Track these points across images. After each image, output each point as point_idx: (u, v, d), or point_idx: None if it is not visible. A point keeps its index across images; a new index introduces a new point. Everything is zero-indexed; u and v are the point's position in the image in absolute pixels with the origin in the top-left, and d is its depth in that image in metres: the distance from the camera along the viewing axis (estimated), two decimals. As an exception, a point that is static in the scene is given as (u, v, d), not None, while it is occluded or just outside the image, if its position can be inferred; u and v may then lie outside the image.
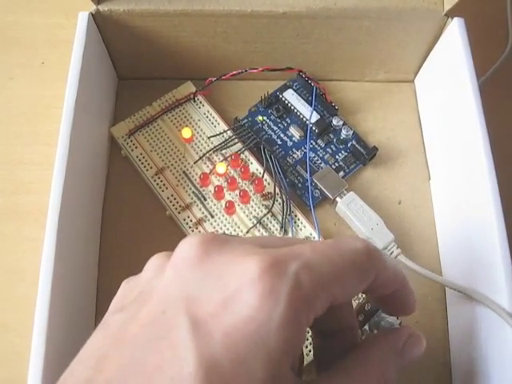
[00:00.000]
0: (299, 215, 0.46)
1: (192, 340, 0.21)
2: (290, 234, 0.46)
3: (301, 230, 0.46)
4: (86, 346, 0.24)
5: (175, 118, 0.51)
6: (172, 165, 0.48)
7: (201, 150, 0.49)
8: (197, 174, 0.48)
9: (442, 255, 0.46)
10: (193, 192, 0.47)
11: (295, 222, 0.46)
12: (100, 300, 0.44)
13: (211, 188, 0.47)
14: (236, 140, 0.49)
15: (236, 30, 0.48)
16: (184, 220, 0.46)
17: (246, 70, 0.51)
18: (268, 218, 0.46)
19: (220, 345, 0.21)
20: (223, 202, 0.46)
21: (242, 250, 0.24)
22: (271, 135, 0.51)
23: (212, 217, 0.46)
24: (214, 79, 0.51)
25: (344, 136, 0.50)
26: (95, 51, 0.47)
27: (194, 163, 0.48)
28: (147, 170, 0.48)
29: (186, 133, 0.49)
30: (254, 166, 0.48)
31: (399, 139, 0.52)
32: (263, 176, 0.47)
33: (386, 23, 0.48)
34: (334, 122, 0.51)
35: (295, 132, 0.51)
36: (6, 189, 0.50)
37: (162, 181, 0.48)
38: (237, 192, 0.47)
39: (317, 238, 0.45)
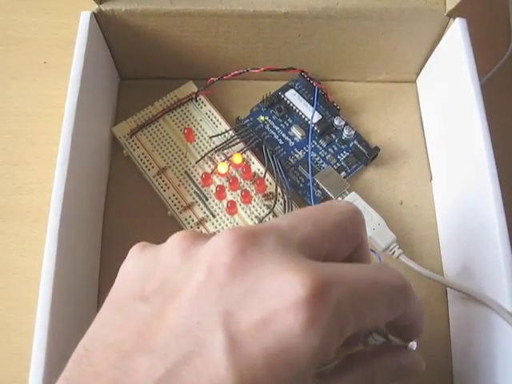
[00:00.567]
0: (301, 215, 0.46)
1: (231, 362, 0.20)
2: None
3: (302, 230, 0.46)
4: (101, 325, 0.24)
5: (177, 118, 0.51)
6: (174, 164, 0.48)
7: (202, 150, 0.49)
8: (198, 173, 0.48)
9: (444, 256, 0.46)
10: (194, 192, 0.47)
11: (297, 222, 0.46)
12: (101, 300, 0.44)
13: (213, 188, 0.47)
14: (238, 140, 0.49)
15: (238, 29, 0.48)
16: (186, 220, 0.46)
17: (248, 70, 0.51)
18: (270, 218, 0.46)
19: (259, 368, 0.20)
20: (225, 202, 0.46)
21: (282, 258, 0.23)
22: (273, 135, 0.51)
23: (213, 216, 0.46)
24: (215, 79, 0.51)
25: (346, 136, 0.50)
26: (97, 51, 0.47)
27: (196, 163, 0.48)
28: (149, 170, 0.48)
29: (188, 132, 0.49)
30: (256, 166, 0.48)
31: (401, 139, 0.52)
32: (265, 176, 0.47)
33: (388, 23, 0.48)
34: (336, 122, 0.51)
35: (297, 132, 0.51)
36: (7, 188, 0.50)
37: (163, 180, 0.48)
38: (238, 192, 0.47)
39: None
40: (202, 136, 0.50)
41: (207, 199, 0.47)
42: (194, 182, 0.48)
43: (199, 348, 0.21)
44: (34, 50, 0.57)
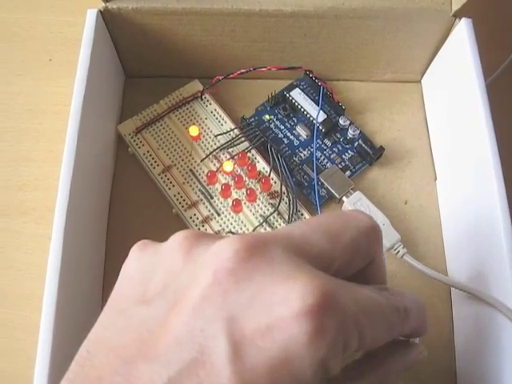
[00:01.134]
0: (306, 214, 0.46)
1: (234, 371, 0.20)
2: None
3: (307, 229, 0.46)
4: (104, 328, 0.23)
5: (182, 116, 0.51)
6: (179, 163, 0.48)
7: (208, 149, 0.49)
8: (204, 172, 0.48)
9: (448, 255, 0.46)
10: (199, 190, 0.47)
11: (301, 221, 0.46)
12: (106, 296, 0.44)
13: (218, 186, 0.47)
14: (243, 138, 0.49)
15: (244, 28, 0.48)
16: (190, 218, 0.46)
17: (254, 69, 0.51)
18: (274, 217, 0.46)
19: (262, 378, 0.20)
20: (230, 200, 0.46)
21: (290, 266, 0.23)
22: (278, 134, 0.51)
23: (218, 215, 0.46)
24: (221, 78, 0.51)
25: (351, 136, 0.50)
26: (103, 49, 0.47)
27: (201, 161, 0.48)
28: (154, 168, 0.48)
29: (194, 131, 0.49)
30: (261, 165, 0.48)
31: (406, 139, 0.52)
32: (270, 175, 0.48)
33: (394, 23, 0.48)
34: (341, 121, 0.51)
35: (302, 131, 0.51)
36: (13, 185, 0.50)
37: (168, 178, 0.48)
38: (243, 190, 0.47)
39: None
40: (208, 134, 0.50)
41: (212, 197, 0.47)
42: (199, 180, 0.48)
43: (202, 356, 0.20)
44: (39, 48, 0.57)
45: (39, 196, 0.49)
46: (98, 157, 0.46)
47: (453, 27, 0.47)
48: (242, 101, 0.53)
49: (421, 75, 0.55)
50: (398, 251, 0.44)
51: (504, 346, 0.36)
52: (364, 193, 0.47)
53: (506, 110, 0.48)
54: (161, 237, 0.29)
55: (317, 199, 0.47)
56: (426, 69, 0.53)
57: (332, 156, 0.50)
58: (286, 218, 0.46)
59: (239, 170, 0.48)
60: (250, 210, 0.46)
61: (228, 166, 0.47)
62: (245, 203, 0.47)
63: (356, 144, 0.50)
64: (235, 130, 0.50)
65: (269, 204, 0.47)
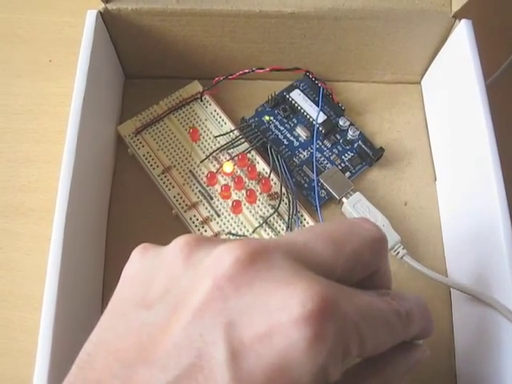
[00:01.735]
0: (305, 215, 0.46)
1: (232, 377, 0.20)
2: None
3: (307, 230, 0.46)
4: (104, 331, 0.23)
5: (182, 117, 0.51)
6: (179, 164, 0.48)
7: (207, 150, 0.49)
8: (203, 173, 0.48)
9: (448, 256, 0.46)
10: (199, 191, 0.47)
11: (301, 222, 0.46)
12: (106, 297, 0.44)
13: (218, 187, 0.47)
14: (243, 139, 0.49)
15: (244, 29, 0.48)
16: (190, 219, 0.46)
17: (253, 70, 0.51)
18: (274, 218, 0.46)
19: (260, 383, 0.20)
20: (230, 202, 0.46)
21: (290, 272, 0.22)
22: (278, 135, 0.51)
23: (218, 216, 0.46)
24: (221, 79, 0.51)
25: (350, 137, 0.50)
26: (103, 50, 0.47)
27: (201, 162, 0.48)
28: (154, 169, 0.48)
29: (193, 132, 0.49)
30: (261, 166, 0.48)
31: (405, 140, 0.52)
32: (269, 176, 0.47)
33: (394, 24, 0.48)
34: (341, 122, 0.51)
35: (302, 132, 0.51)
36: (12, 186, 0.50)
37: (168, 179, 0.48)
38: (243, 191, 0.47)
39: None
40: (207, 135, 0.50)
41: (212, 198, 0.47)
42: (198, 182, 0.48)
43: (200, 361, 0.20)
44: (39, 49, 0.57)
45: (39, 197, 0.49)
46: (97, 158, 0.46)
47: (453, 28, 0.47)
48: (241, 102, 0.53)
49: (421, 76, 0.55)
50: (398, 252, 0.44)
51: (504, 347, 0.36)
52: (364, 194, 0.47)
53: (506, 111, 0.48)
54: (160, 238, 0.29)
55: (317, 200, 0.47)
56: (426, 70, 0.53)
57: (332, 157, 0.50)
58: (286, 219, 0.46)
59: (239, 171, 0.48)
60: (250, 211, 0.46)
61: (228, 167, 0.47)
62: (244, 204, 0.46)
63: (356, 145, 0.50)
64: (235, 131, 0.50)
65: (269, 205, 0.47)
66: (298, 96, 0.52)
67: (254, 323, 0.21)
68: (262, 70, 0.51)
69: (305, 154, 0.50)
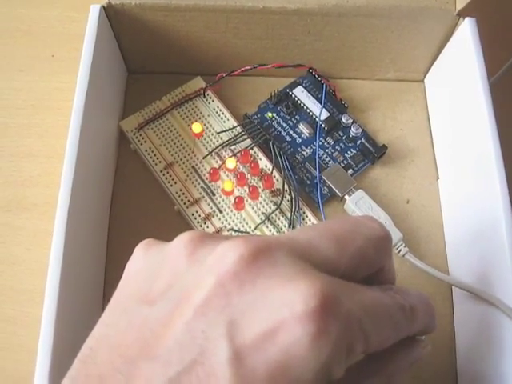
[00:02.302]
0: (307, 212, 0.46)
1: (234, 374, 0.20)
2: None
3: (309, 227, 0.46)
4: (107, 326, 0.23)
5: (185, 113, 0.51)
6: (181, 159, 0.48)
7: (210, 146, 0.49)
8: (206, 169, 0.48)
9: (450, 254, 0.46)
10: (201, 187, 0.47)
11: (303, 219, 0.46)
12: (108, 292, 0.44)
13: (220, 183, 0.47)
14: (245, 136, 0.49)
15: (247, 25, 0.48)
16: (192, 215, 0.46)
17: (256, 67, 0.51)
18: (276, 215, 0.46)
19: (262, 382, 0.20)
20: (232, 198, 0.46)
21: (294, 270, 0.22)
22: (280, 132, 0.51)
23: (220, 212, 0.46)
24: (224, 75, 0.51)
25: (353, 134, 0.50)
26: (106, 45, 0.47)
27: (203, 158, 0.48)
28: (156, 165, 0.48)
29: (196, 128, 0.49)
30: (264, 162, 0.48)
31: (408, 138, 0.52)
32: (272, 172, 0.47)
33: (398, 22, 0.48)
34: (344, 119, 0.50)
35: (304, 129, 0.51)
36: (15, 181, 0.50)
37: (170, 175, 0.48)
38: (246, 188, 0.47)
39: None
40: (210, 131, 0.50)
41: (214, 194, 0.47)
42: (201, 178, 0.48)
43: (202, 357, 0.20)
44: (42, 44, 0.57)
45: (41, 192, 0.49)
46: (100, 153, 0.46)
47: (457, 26, 0.47)
48: (244, 98, 0.53)
49: (424, 74, 0.54)
50: (400, 250, 0.44)
51: (505, 345, 0.36)
52: (366, 191, 0.47)
53: (510, 110, 0.48)
54: (162, 233, 0.29)
55: (319, 197, 0.47)
56: (430, 68, 0.53)
57: (334, 154, 0.50)
58: (288, 215, 0.46)
59: (241, 168, 0.48)
60: (252, 208, 0.46)
61: (230, 163, 0.47)
62: (247, 200, 0.46)
63: (358, 142, 0.50)
64: (238, 128, 0.50)
65: (271, 202, 0.47)
66: (300, 93, 0.52)
67: (256, 320, 0.21)
68: (265, 67, 0.51)
69: (307, 150, 0.50)
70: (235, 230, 0.45)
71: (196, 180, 0.47)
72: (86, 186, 0.41)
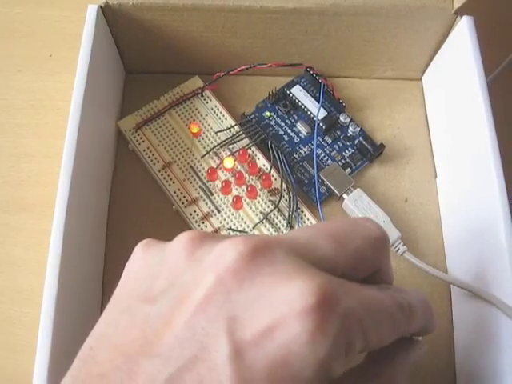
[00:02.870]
0: (306, 211, 0.46)
1: (234, 370, 0.20)
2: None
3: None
4: (108, 325, 0.23)
5: (182, 113, 0.51)
6: (179, 159, 0.48)
7: (208, 145, 0.49)
8: (204, 168, 0.48)
9: (448, 253, 0.46)
10: (200, 187, 0.47)
11: (301, 218, 0.46)
12: (106, 292, 0.44)
13: (218, 183, 0.47)
14: (243, 135, 0.49)
15: (245, 25, 0.48)
16: (190, 214, 0.46)
17: (254, 66, 0.51)
18: (274, 214, 0.46)
19: (262, 378, 0.20)
20: (230, 197, 0.46)
21: (293, 267, 0.23)
22: (278, 131, 0.51)
23: (218, 211, 0.46)
24: (221, 74, 0.51)
25: (351, 133, 0.50)
26: (103, 44, 0.47)
27: (201, 158, 0.48)
28: (154, 164, 0.48)
29: (194, 127, 0.49)
30: (262, 162, 0.48)
31: (406, 137, 0.52)
32: (270, 171, 0.47)
33: (395, 20, 0.48)
34: (342, 118, 0.50)
35: (302, 128, 0.51)
36: (13, 181, 0.50)
37: (168, 175, 0.48)
38: (244, 187, 0.47)
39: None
40: (208, 131, 0.50)
41: (212, 194, 0.47)
42: (199, 177, 0.48)
43: (203, 354, 0.21)
44: (40, 43, 0.57)
45: (39, 192, 0.49)
46: (98, 153, 0.46)
47: (454, 25, 0.47)
48: (242, 97, 0.53)
49: (422, 73, 0.54)
50: (398, 249, 0.44)
51: (503, 344, 0.36)
52: (364, 190, 0.47)
53: (507, 108, 0.48)
54: (161, 233, 0.29)
55: (317, 196, 0.47)
56: (427, 66, 0.53)
57: (332, 153, 0.50)
58: (286, 215, 0.46)
59: (239, 167, 0.48)
60: (251, 207, 0.46)
61: (228, 162, 0.47)
62: (245, 200, 0.46)
63: (356, 141, 0.50)
64: (235, 127, 0.50)
65: (269, 201, 0.47)
66: (298, 92, 0.52)
67: (256, 317, 0.21)
68: (262, 66, 0.51)
69: (305, 150, 0.50)
70: (233, 230, 0.45)
71: (194, 179, 0.47)
72: (84, 186, 0.41)
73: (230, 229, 0.45)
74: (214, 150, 0.49)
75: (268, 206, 0.46)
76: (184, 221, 0.46)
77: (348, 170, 0.49)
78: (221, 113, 0.51)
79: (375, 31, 0.49)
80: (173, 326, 0.22)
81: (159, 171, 0.48)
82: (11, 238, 0.47)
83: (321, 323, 0.21)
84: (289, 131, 0.51)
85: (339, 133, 0.51)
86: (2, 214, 0.48)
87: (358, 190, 0.47)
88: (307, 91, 0.52)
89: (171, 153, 0.49)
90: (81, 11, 0.45)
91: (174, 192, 0.47)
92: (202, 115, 0.51)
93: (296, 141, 0.51)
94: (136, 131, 0.49)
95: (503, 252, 0.37)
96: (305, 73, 0.53)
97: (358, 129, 0.50)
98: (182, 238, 0.25)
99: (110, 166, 0.49)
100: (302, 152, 0.50)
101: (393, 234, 0.45)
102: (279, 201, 0.46)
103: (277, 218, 0.46)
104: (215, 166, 0.48)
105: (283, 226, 0.46)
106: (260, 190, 0.47)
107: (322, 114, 0.51)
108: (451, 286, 0.45)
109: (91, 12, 0.45)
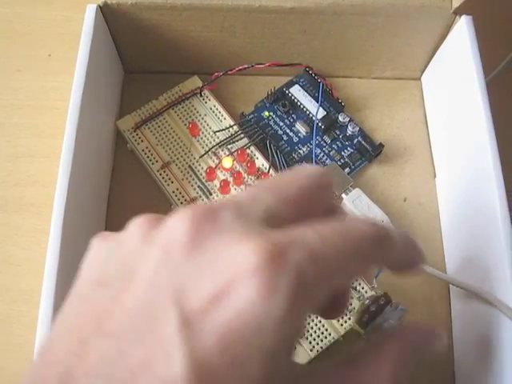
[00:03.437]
0: (304, 211, 0.46)
1: (182, 338, 0.19)
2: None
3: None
4: (65, 315, 0.23)
5: (181, 113, 0.51)
6: (178, 159, 0.48)
7: (207, 145, 0.49)
8: (203, 168, 0.48)
9: (447, 253, 0.46)
10: (198, 186, 0.47)
11: (300, 218, 0.46)
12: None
13: (217, 182, 0.47)
14: (242, 135, 0.49)
15: (243, 24, 0.48)
16: (189, 214, 0.46)
17: (253, 65, 0.51)
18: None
19: (213, 346, 0.19)
20: (228, 197, 0.46)
21: (239, 230, 0.22)
22: (277, 131, 0.51)
23: (217, 211, 0.46)
24: (220, 74, 0.51)
25: (350, 132, 0.50)
26: (102, 44, 0.47)
27: (200, 157, 0.48)
28: (153, 164, 0.48)
29: (193, 127, 0.49)
30: (260, 161, 0.48)
31: (405, 136, 0.52)
32: (269, 171, 0.47)
33: (394, 20, 0.48)
34: (340, 118, 0.50)
35: (301, 128, 0.51)
36: (11, 180, 0.50)
37: (167, 175, 0.48)
38: (242, 187, 0.47)
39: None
40: (207, 131, 0.50)
41: (211, 194, 0.47)
42: (197, 177, 0.48)
43: (152, 327, 0.20)
44: (39, 43, 0.57)
45: (38, 191, 0.49)
46: (96, 152, 0.46)
47: (453, 24, 0.47)
48: (241, 97, 0.53)
49: (421, 72, 0.54)
50: (397, 248, 0.44)
51: (502, 343, 0.36)
52: (363, 190, 0.47)
53: (506, 108, 0.48)
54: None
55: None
56: (426, 66, 0.53)
57: (331, 153, 0.50)
58: (285, 214, 0.46)
59: (238, 167, 0.48)
60: (249, 207, 0.46)
61: (227, 162, 0.47)
62: (244, 200, 0.46)
63: (355, 141, 0.50)
64: (234, 127, 0.50)
65: (268, 200, 0.46)
66: (297, 92, 0.52)
67: (204, 286, 0.20)
68: (261, 66, 0.51)
69: (304, 149, 0.50)
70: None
71: (193, 179, 0.47)
72: (83, 186, 0.41)
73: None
74: (213, 149, 0.49)
75: (267, 206, 0.46)
76: (183, 220, 0.46)
77: (347, 169, 0.49)
78: (219, 112, 0.51)
79: (374, 31, 0.49)
80: (123, 304, 0.21)
81: (158, 171, 0.48)
82: (9, 238, 0.47)
83: (268, 280, 0.20)
84: (288, 131, 0.51)
85: (338, 132, 0.51)
86: (1, 214, 0.48)
87: (357, 189, 0.47)
88: (306, 91, 0.52)
89: (170, 152, 0.49)
90: (80, 11, 0.45)
91: (173, 192, 0.47)
92: (200, 115, 0.50)
93: (295, 140, 0.51)
94: (135, 131, 0.49)
95: (502, 252, 0.37)
96: (304, 72, 0.53)
97: (357, 128, 0.50)
98: (136, 222, 0.25)
99: (108, 166, 0.49)
100: (301, 152, 0.50)
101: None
102: (278, 200, 0.46)
103: (275, 218, 0.46)
104: (214, 166, 0.48)
105: (282, 225, 0.46)
106: (259, 190, 0.47)
107: (321, 113, 0.51)
108: (450, 285, 0.45)
109: (90, 12, 0.45)
